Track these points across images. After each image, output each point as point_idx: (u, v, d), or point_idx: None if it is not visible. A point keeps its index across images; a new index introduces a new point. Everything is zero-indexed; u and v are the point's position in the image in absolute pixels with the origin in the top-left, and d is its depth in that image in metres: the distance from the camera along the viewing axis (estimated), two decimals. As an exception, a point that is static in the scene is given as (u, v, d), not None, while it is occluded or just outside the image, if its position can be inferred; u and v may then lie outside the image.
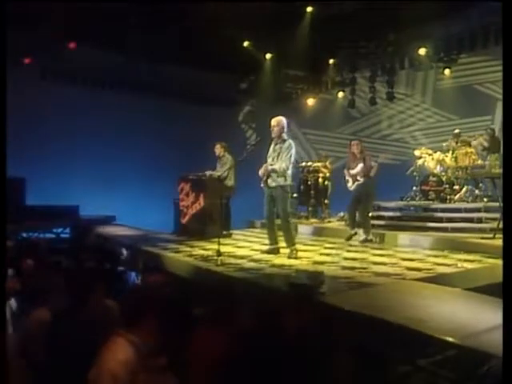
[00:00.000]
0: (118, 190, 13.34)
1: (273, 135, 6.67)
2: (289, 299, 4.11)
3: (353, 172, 8.09)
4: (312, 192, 10.88)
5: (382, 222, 9.00)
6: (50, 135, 12.60)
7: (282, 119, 6.68)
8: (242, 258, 6.51)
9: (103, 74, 13.58)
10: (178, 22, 11.64)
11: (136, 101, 14.05)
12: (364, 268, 5.65)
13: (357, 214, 8.05)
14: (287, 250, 6.62)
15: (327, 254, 6.84)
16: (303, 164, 11.02)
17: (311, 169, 10.88)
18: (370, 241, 7.97)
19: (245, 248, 7.53)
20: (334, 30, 12.29)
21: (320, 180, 10.84)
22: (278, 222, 6.81)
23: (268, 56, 13.95)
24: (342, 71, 14.72)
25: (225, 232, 9.05)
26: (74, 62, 12.41)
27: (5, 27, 3.32)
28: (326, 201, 10.52)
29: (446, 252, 6.87)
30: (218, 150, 9.24)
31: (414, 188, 10.17)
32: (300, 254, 6.87)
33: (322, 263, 6.06)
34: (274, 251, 6.75)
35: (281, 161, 6.53)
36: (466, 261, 6.15)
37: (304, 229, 9.89)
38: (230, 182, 9.02)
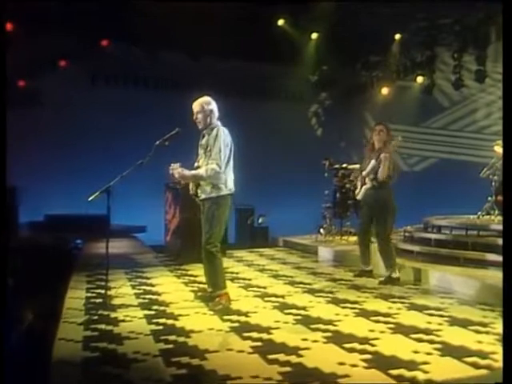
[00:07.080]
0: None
1: (199, 127, 4.46)
2: None
3: (363, 173, 5.52)
4: (350, 202, 8.29)
5: (420, 249, 6.21)
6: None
7: (207, 101, 4.44)
8: (148, 308, 4.36)
9: (165, 74, 12.07)
10: (238, 17, 9.93)
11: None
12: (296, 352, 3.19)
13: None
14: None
15: (285, 309, 4.35)
16: (337, 166, 8.42)
17: (347, 172, 8.26)
18: (397, 280, 5.34)
19: (195, 285, 5.35)
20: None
21: (360, 187, 8.16)
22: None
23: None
24: (421, 50, 11.91)
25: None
26: (136, 63, 11.31)
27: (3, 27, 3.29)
28: (366, 214, 7.80)
29: (496, 314, 4.03)
30: None
31: (489, 198, 7.21)
32: (251, 301, 4.59)
33: (250, 330, 3.71)
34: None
35: (209, 159, 4.30)
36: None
37: (323, 252, 7.38)
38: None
